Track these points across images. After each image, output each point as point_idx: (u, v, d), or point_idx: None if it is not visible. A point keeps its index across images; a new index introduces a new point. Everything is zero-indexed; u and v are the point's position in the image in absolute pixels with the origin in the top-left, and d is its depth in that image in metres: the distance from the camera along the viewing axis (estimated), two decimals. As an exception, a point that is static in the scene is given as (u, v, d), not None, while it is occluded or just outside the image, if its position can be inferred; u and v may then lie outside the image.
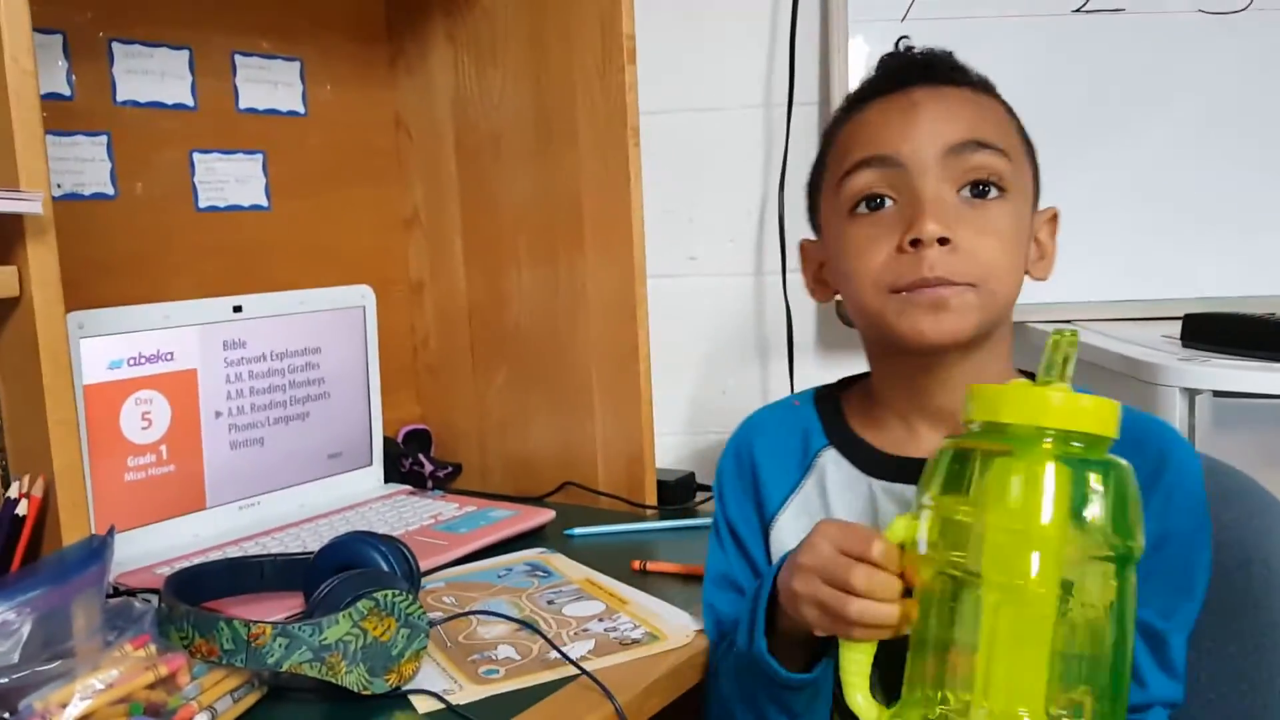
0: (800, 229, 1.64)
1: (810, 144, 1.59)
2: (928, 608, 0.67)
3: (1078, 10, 1.47)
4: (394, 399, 1.41)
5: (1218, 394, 1.12)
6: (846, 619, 0.71)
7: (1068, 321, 1.39)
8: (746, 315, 1.64)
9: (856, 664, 0.72)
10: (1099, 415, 0.64)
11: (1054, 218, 0.87)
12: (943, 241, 0.77)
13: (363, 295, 1.33)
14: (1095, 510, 0.63)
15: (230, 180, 1.31)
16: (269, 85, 1.35)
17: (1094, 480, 0.63)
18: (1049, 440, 0.63)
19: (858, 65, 1.53)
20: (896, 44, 0.88)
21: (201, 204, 1.29)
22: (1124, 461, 0.65)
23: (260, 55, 1.34)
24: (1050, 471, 0.62)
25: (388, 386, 1.37)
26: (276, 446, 1.25)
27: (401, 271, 1.50)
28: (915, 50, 0.86)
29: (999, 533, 0.63)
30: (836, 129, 0.87)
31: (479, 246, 1.44)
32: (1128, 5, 1.47)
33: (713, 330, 1.65)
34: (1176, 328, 1.32)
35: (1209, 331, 1.26)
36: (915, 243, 0.78)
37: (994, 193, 0.80)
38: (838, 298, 0.89)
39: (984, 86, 0.85)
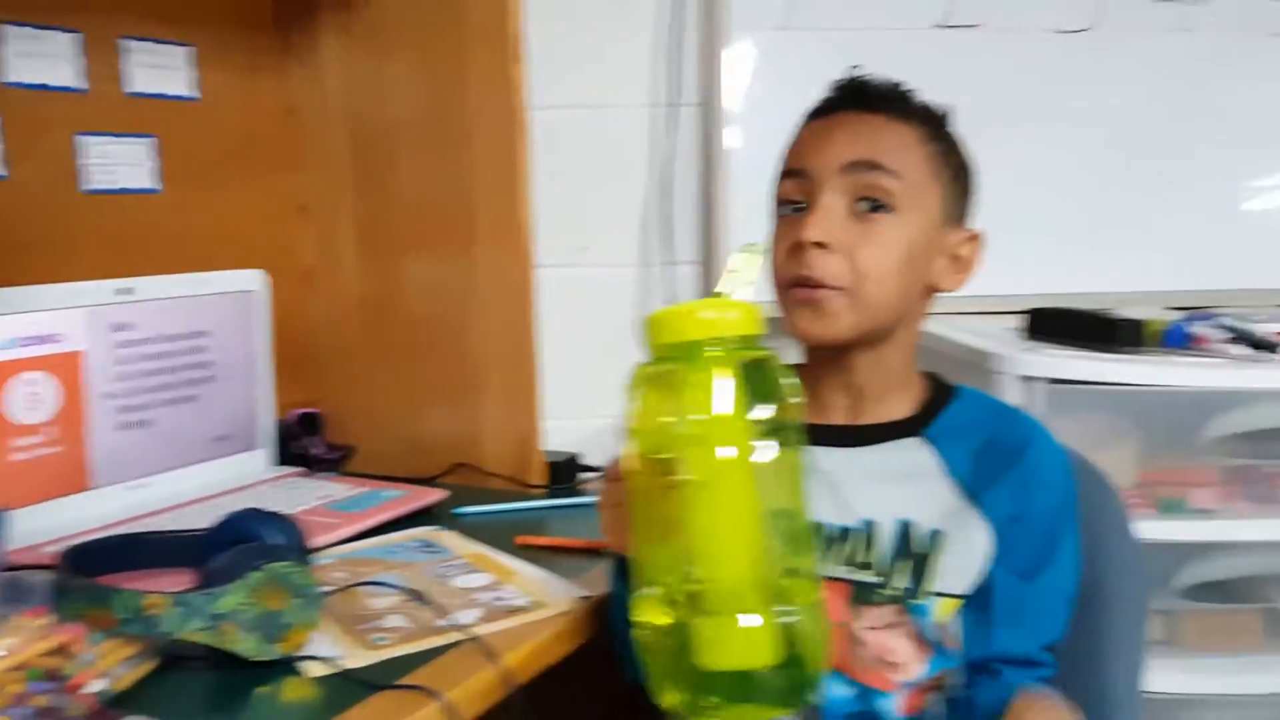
0: (684, 223, 1.73)
1: (694, 143, 1.67)
2: (645, 509, 0.77)
3: (939, 25, 1.58)
4: (286, 383, 1.43)
5: (1053, 381, 1.23)
6: (602, 527, 0.90)
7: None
8: (633, 304, 1.71)
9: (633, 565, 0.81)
10: (744, 321, 0.75)
11: (974, 237, 0.96)
12: (820, 245, 0.87)
13: (254, 280, 1.35)
14: (759, 395, 0.74)
15: (121, 164, 1.32)
16: (160, 70, 1.36)
17: (750, 372, 0.74)
18: (713, 349, 0.74)
19: (739, 70, 1.60)
20: (848, 72, 0.96)
21: (91, 186, 1.29)
22: (772, 351, 0.76)
23: (152, 40, 1.35)
24: (717, 370, 0.73)
25: (280, 371, 1.39)
26: (165, 428, 1.26)
27: (294, 258, 1.52)
28: (858, 78, 0.95)
29: (687, 428, 0.73)
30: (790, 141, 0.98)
31: (372, 235, 1.47)
32: (985, 22, 1.58)
33: (602, 319, 1.71)
34: (1023, 322, 1.44)
35: (1050, 325, 1.37)
36: (799, 245, 0.88)
37: (882, 209, 0.90)
38: None
39: (908, 114, 0.93)
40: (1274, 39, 1.69)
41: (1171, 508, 1.35)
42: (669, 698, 0.77)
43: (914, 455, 0.93)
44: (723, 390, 0.73)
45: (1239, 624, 1.43)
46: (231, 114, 1.44)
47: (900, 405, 0.96)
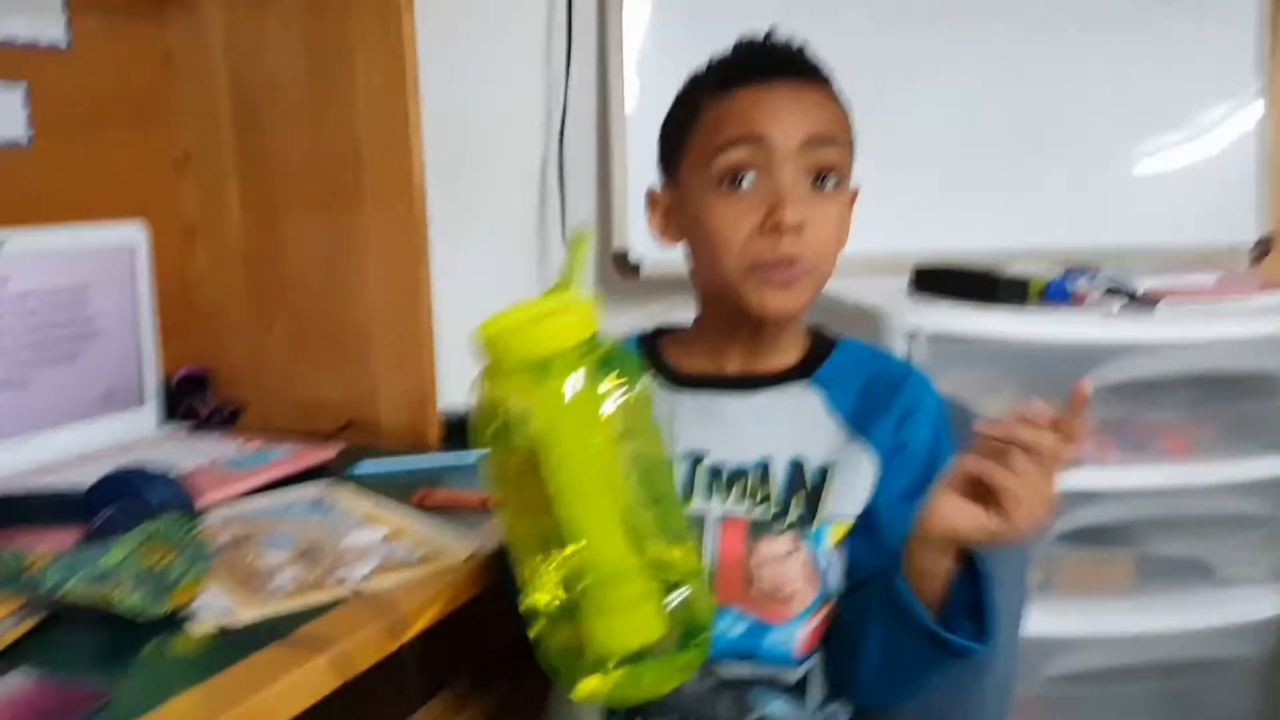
0: (579, 181, 1.72)
1: (588, 100, 1.66)
2: (515, 508, 0.79)
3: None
4: (170, 341, 1.39)
5: (934, 335, 1.27)
6: None
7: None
8: (529, 263, 1.71)
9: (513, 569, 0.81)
10: (585, 323, 0.76)
11: (855, 195, 0.98)
12: (798, 227, 0.89)
13: (134, 233, 1.30)
14: (608, 389, 0.75)
15: (-12, 111, 1.26)
16: (28, 14, 1.30)
17: (599, 366, 0.75)
18: (562, 361, 0.74)
19: (634, 24, 1.60)
20: (765, 35, 0.97)
21: (-45, 136, 1.23)
22: (613, 343, 0.78)
23: (20, -18, 1.29)
24: (571, 381, 0.74)
25: (164, 329, 1.35)
26: (43, 387, 1.22)
27: (175, 213, 1.47)
28: (773, 42, 0.96)
29: (545, 432, 0.74)
30: (702, 101, 0.95)
31: (255, 192, 1.43)
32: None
33: (497, 276, 1.70)
34: (910, 279, 1.48)
35: (934, 282, 1.41)
36: (776, 227, 0.89)
37: (833, 184, 0.92)
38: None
39: (830, 84, 0.96)
40: (1164, 2, 1.76)
41: (1049, 457, 1.40)
42: (577, 687, 0.78)
43: (802, 398, 0.98)
44: (578, 392, 0.74)
45: (1112, 568, 1.50)
46: (106, 61, 1.38)
47: (787, 355, 1.00)
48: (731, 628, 0.91)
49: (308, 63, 1.35)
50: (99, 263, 1.27)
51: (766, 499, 0.94)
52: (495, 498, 0.81)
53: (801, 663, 0.93)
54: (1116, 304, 1.41)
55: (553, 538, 0.75)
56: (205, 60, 1.43)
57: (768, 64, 0.95)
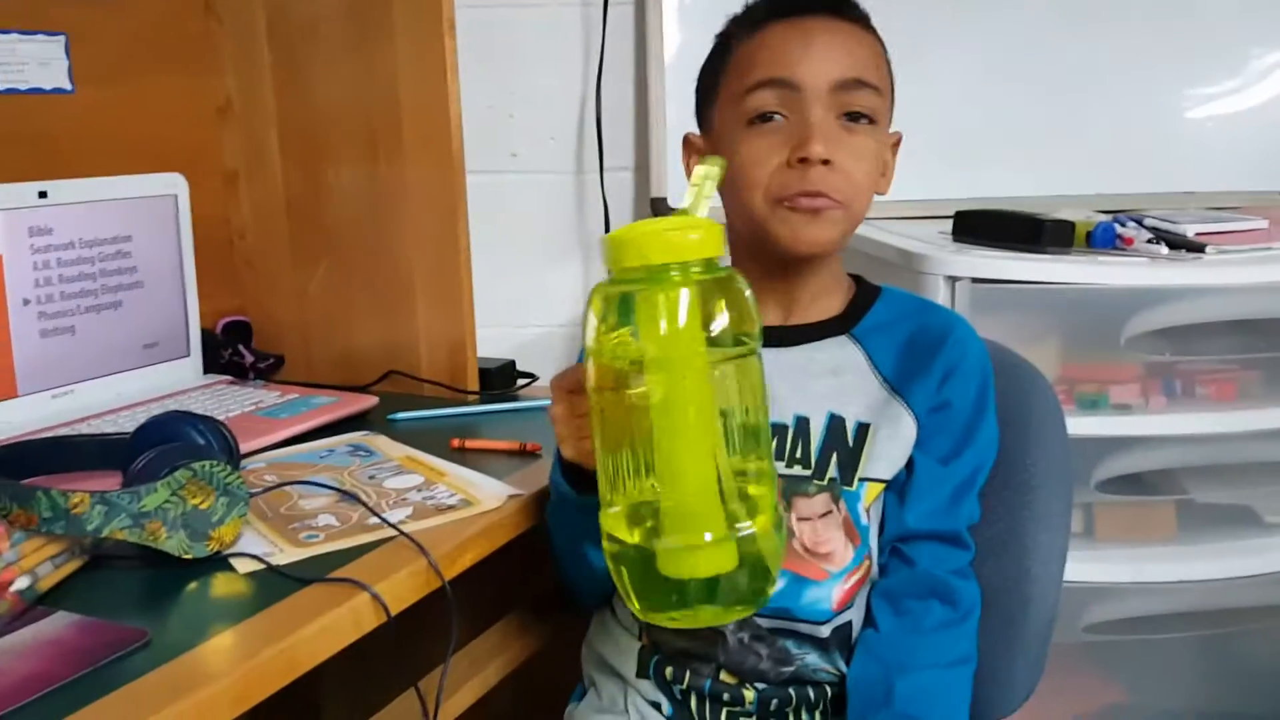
0: (617, 127, 1.71)
1: (626, 42, 1.65)
2: (606, 426, 0.77)
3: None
4: (212, 291, 1.41)
5: (976, 280, 1.25)
6: (559, 438, 0.87)
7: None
8: (567, 211, 1.70)
9: (598, 479, 0.79)
10: (705, 242, 0.74)
11: (898, 141, 0.98)
12: (825, 162, 0.88)
13: (174, 183, 1.32)
14: (720, 318, 0.73)
15: (31, 62, 1.27)
16: (70, -35, 1.30)
17: (714, 294, 0.73)
18: (674, 271, 0.73)
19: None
20: None
21: (-1, 87, 1.25)
22: (734, 272, 0.75)
23: (60, -67, 1.29)
24: (681, 295, 0.72)
25: (205, 278, 1.37)
26: (89, 335, 1.24)
27: (216, 162, 1.48)
28: None
29: (650, 349, 0.73)
30: (735, 42, 0.95)
31: (296, 139, 1.43)
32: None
33: (534, 226, 1.70)
34: (952, 224, 1.45)
35: (976, 227, 1.39)
36: (803, 160, 0.88)
37: (864, 122, 0.91)
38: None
39: (866, 23, 0.95)
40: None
41: (1092, 403, 1.38)
42: (637, 604, 0.77)
43: (842, 352, 0.96)
44: (686, 312, 0.72)
45: (1154, 515, 1.48)
46: (145, 10, 1.39)
47: (829, 306, 0.98)
48: None
49: (346, 9, 1.34)
50: (141, 212, 1.28)
51: (801, 458, 0.93)
52: (588, 410, 0.79)
53: (835, 617, 0.93)
54: (1163, 248, 1.38)
55: (641, 456, 0.74)
56: (245, 7, 1.43)
57: (802, 1, 0.93)
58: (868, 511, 0.93)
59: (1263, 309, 1.42)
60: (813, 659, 0.93)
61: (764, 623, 0.92)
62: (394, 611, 0.82)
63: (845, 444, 0.93)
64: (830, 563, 0.92)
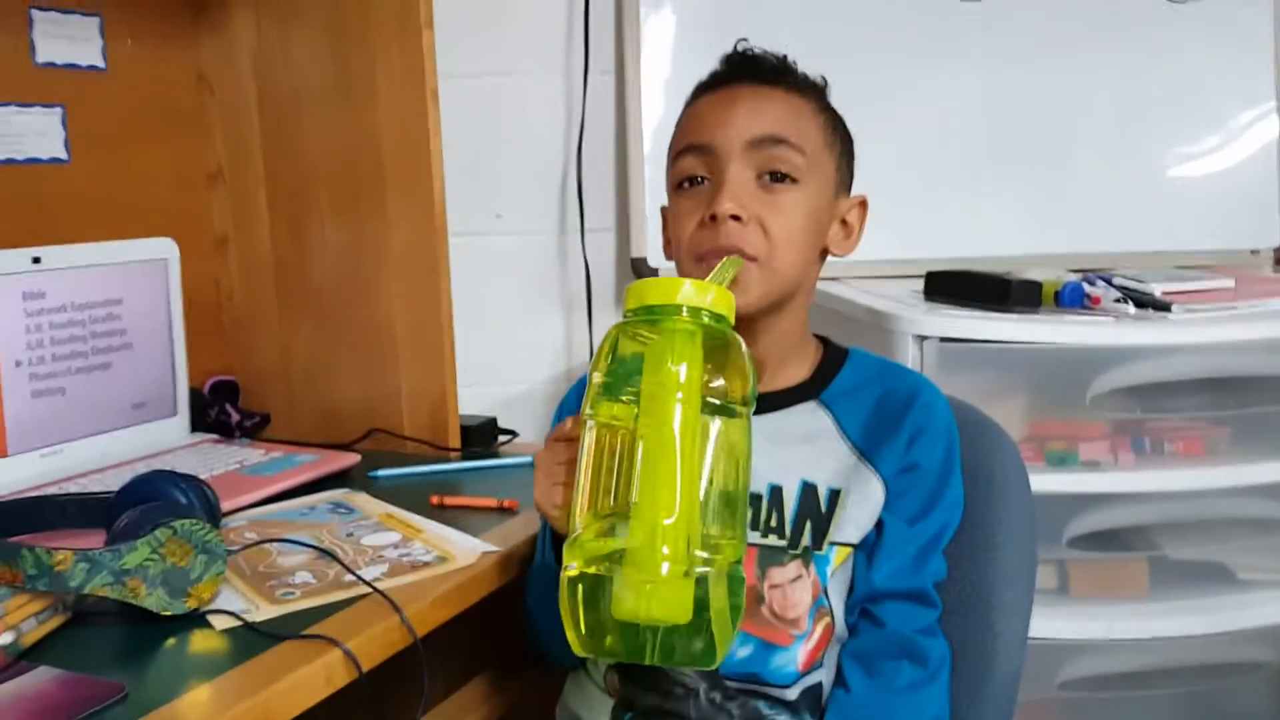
0: (598, 189, 1.76)
1: (606, 111, 1.70)
2: (594, 456, 0.79)
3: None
4: (200, 351, 1.44)
5: (944, 340, 1.28)
6: (535, 482, 0.90)
7: (834, 279, 1.54)
8: (549, 271, 1.74)
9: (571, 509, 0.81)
10: (720, 301, 0.79)
11: (863, 204, 1.00)
12: (735, 218, 0.90)
13: (165, 248, 1.35)
14: (719, 374, 0.77)
15: (28, 133, 1.31)
16: (67, 40, 1.35)
17: (717, 347, 0.78)
18: (684, 315, 0.77)
19: (650, 37, 1.63)
20: (735, 45, 0.99)
21: (-3, 157, 1.29)
22: (736, 336, 0.79)
23: (58, 10, 1.34)
24: (686, 333, 0.77)
25: (194, 338, 1.40)
26: (79, 396, 1.27)
27: (205, 226, 1.52)
28: (749, 51, 0.98)
29: (650, 383, 0.76)
30: (682, 114, 0.99)
31: (283, 202, 1.48)
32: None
33: (517, 285, 1.74)
34: (923, 284, 1.49)
35: (947, 287, 1.43)
36: (714, 217, 0.91)
37: (787, 181, 0.93)
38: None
39: (800, 87, 0.97)
40: (1174, 6, 1.76)
41: (1061, 460, 1.41)
42: (580, 643, 0.78)
43: (811, 419, 0.97)
44: (687, 352, 0.76)
45: (1126, 572, 1.50)
46: (140, 82, 1.44)
47: (796, 370, 1.00)
48: (739, 649, 0.92)
49: (333, 79, 1.39)
50: (132, 277, 1.32)
51: (777, 528, 0.94)
52: (569, 460, 0.84)
53: (802, 679, 0.94)
54: (1130, 307, 1.42)
55: (619, 488, 0.77)
56: (235, 79, 1.48)
57: (729, 71, 0.97)
58: (834, 575, 0.94)
59: (1229, 367, 1.45)
60: None
61: (734, 684, 0.93)
62: (366, 668, 0.84)
63: (818, 510, 0.94)
64: (798, 627, 0.93)
